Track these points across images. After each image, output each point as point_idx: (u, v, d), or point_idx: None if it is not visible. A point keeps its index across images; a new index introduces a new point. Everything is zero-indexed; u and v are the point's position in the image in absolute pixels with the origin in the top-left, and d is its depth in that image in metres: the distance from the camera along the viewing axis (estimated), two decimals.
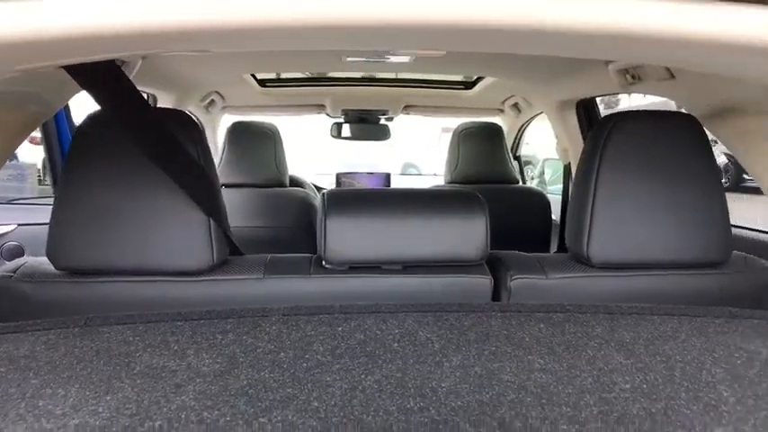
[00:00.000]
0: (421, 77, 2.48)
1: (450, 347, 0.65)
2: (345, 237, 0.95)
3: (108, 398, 0.53)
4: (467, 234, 0.97)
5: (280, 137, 2.24)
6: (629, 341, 0.67)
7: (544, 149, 3.30)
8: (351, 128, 2.93)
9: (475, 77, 2.41)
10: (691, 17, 0.54)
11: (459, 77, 2.50)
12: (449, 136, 2.54)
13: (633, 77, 1.46)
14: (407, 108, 2.82)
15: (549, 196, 2.38)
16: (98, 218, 0.90)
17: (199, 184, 0.92)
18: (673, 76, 1.28)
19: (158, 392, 0.54)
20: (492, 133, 2.40)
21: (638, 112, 1.05)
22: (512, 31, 0.57)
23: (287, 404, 0.53)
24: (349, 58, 1.75)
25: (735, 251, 1.05)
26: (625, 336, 0.69)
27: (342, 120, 2.92)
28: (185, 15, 0.52)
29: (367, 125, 2.95)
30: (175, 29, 0.54)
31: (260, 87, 2.46)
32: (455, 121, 2.54)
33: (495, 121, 2.57)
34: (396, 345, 0.65)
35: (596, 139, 1.01)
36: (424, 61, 1.82)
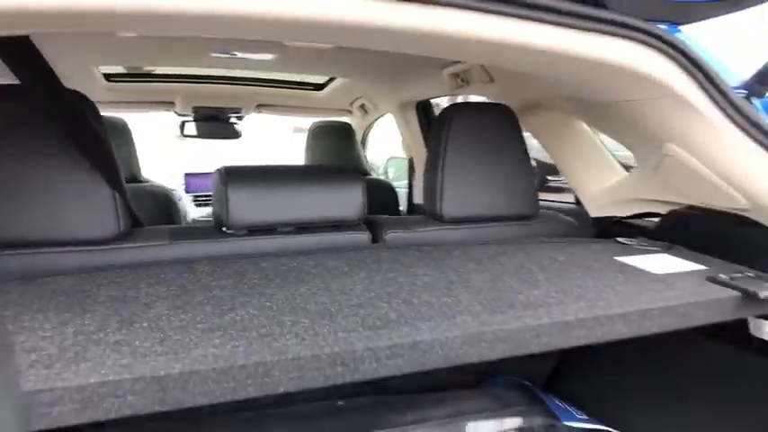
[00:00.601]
0: (274, 77, 2.61)
1: (354, 268, 0.85)
2: (245, 204, 1.08)
3: (88, 316, 0.63)
4: (348, 199, 1.17)
5: (130, 132, 2.21)
6: (477, 257, 0.94)
7: (384, 154, 3.65)
8: (198, 126, 2.89)
9: (326, 79, 2.61)
10: (497, 25, 0.79)
11: (310, 79, 2.68)
12: (301, 136, 2.70)
13: (462, 80, 1.80)
14: (260, 107, 2.91)
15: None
16: (0, 190, 0.91)
17: (104, 160, 0.99)
18: (492, 80, 1.63)
19: (132, 310, 0.65)
20: (343, 131, 2.65)
21: (471, 103, 1.36)
22: (358, 29, 0.75)
23: (244, 306, 0.67)
24: (214, 54, 1.83)
25: (543, 210, 1.41)
26: (475, 255, 0.96)
27: (191, 117, 2.90)
28: None
29: (216, 124, 2.94)
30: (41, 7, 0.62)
31: (106, 82, 2.38)
32: (308, 122, 2.73)
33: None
34: (314, 270, 0.83)
35: (441, 125, 1.28)
36: (282, 60, 1.97)
